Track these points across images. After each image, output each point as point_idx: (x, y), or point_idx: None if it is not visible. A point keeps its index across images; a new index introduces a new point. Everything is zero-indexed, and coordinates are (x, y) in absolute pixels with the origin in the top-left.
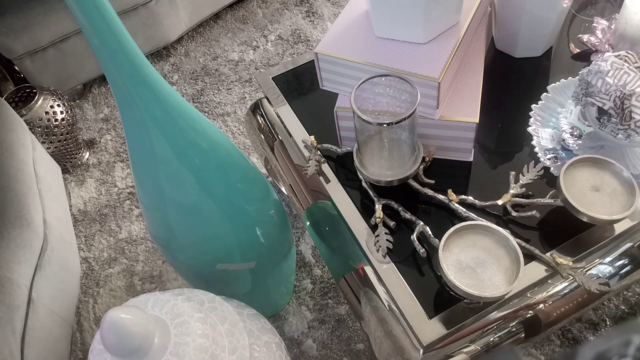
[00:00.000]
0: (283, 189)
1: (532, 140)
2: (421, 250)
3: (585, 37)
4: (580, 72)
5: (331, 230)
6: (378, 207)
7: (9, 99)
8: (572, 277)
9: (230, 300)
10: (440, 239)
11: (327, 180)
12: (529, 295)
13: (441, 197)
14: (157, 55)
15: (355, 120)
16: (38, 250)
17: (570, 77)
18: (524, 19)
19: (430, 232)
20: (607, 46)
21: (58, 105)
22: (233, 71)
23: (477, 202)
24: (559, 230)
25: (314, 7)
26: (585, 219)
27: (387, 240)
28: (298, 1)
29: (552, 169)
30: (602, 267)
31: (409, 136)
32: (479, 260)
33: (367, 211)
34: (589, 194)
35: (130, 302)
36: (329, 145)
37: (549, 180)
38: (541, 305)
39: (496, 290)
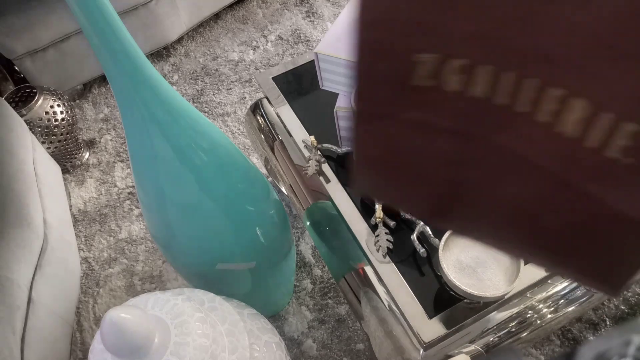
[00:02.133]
0: (283, 189)
1: None
2: (421, 250)
3: None
4: None
5: (331, 230)
6: (378, 207)
7: (9, 99)
8: None
9: (230, 300)
10: (440, 239)
11: (327, 180)
12: (528, 295)
13: None
14: (157, 55)
15: None
16: (38, 250)
17: None
18: None
19: (430, 232)
20: None
21: (58, 105)
22: (233, 71)
23: None
24: None
25: (314, 7)
26: None
27: (387, 240)
28: (298, 1)
29: None
30: None
31: None
32: (479, 260)
33: (367, 211)
34: None
35: (130, 302)
36: (329, 145)
37: None
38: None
39: (496, 290)
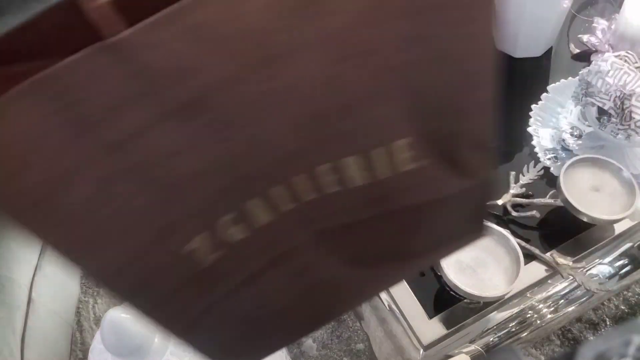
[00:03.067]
0: None
1: (532, 140)
2: None
3: (585, 37)
4: (580, 72)
5: None
6: None
7: None
8: (572, 277)
9: None
10: None
11: None
12: (528, 295)
13: None
14: None
15: None
16: (38, 250)
17: (570, 77)
18: (524, 19)
19: None
20: (607, 46)
21: None
22: None
23: None
24: (559, 230)
25: None
26: (585, 219)
27: None
28: None
29: (552, 169)
30: (602, 267)
31: None
32: (479, 260)
33: None
34: (589, 194)
35: None
36: None
37: (549, 180)
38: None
39: (496, 290)
